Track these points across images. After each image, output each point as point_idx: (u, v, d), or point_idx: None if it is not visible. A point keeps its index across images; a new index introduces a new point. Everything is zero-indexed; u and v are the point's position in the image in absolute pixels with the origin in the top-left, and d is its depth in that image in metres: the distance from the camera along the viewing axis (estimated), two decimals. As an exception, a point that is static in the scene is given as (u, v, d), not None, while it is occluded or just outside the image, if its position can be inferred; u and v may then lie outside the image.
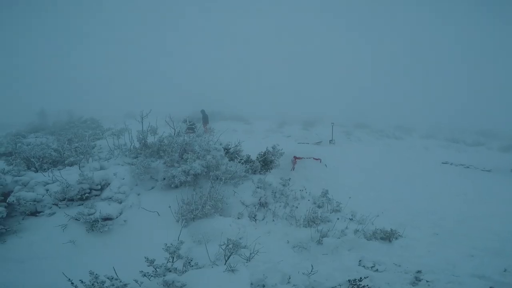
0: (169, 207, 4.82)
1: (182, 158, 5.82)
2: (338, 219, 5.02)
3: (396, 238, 4.68)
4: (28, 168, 6.00)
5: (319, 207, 5.75)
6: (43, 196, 4.77)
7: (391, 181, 7.97)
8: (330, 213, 5.53)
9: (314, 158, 8.16)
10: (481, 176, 9.10)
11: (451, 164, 10.76)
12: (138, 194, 5.40)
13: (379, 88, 35.33)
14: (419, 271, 3.76)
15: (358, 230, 4.74)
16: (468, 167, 10.28)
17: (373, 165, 9.51)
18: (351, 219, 5.32)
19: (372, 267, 3.96)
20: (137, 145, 6.46)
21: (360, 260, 4.07)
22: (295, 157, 7.72)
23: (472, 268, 3.89)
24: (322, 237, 4.42)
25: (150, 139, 6.45)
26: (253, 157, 6.94)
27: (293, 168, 7.46)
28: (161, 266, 2.66)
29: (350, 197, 5.76)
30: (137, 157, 6.13)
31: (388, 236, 4.65)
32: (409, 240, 4.70)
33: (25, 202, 4.54)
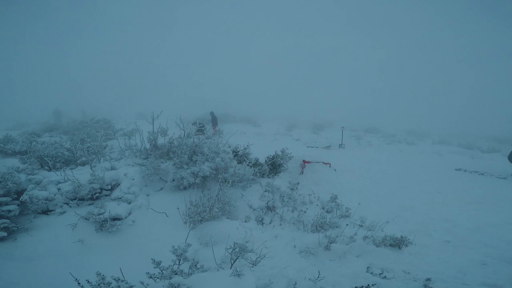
0: (177, 208, 4.85)
1: (191, 160, 5.85)
2: (347, 225, 4.95)
3: (406, 245, 4.57)
4: (42, 167, 6.14)
5: (327, 212, 5.68)
6: (55, 195, 4.86)
7: (402, 187, 7.82)
8: (339, 218, 5.45)
9: (323, 163, 8.10)
10: (496, 183, 8.83)
11: (465, 171, 10.48)
12: (147, 195, 5.45)
13: (387, 90, 35.01)
14: (428, 279, 3.66)
15: (367, 237, 4.65)
16: (482, 174, 10.00)
17: (384, 171, 9.37)
18: (360, 226, 5.23)
19: (380, 274, 3.87)
20: (147, 146, 6.53)
21: (368, 267, 3.98)
22: (304, 161, 7.67)
23: (484, 276, 3.77)
24: (330, 243, 4.35)
25: (160, 140, 6.51)
26: (262, 160, 6.92)
27: (302, 172, 7.41)
28: (167, 268, 2.67)
29: (359, 203, 5.67)
30: (147, 158, 6.19)
31: (397, 243, 4.55)
32: (419, 247, 4.59)
33: (37, 200, 4.64)
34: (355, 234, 4.68)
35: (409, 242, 4.63)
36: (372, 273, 3.88)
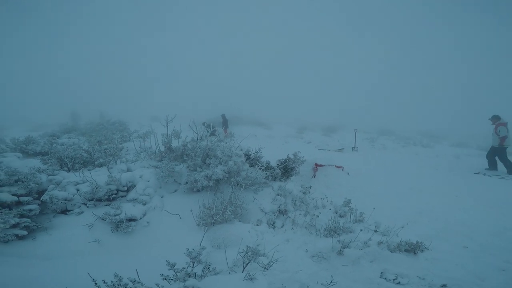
0: (191, 211, 4.91)
1: (204, 163, 5.92)
2: (361, 230, 4.89)
3: (422, 251, 4.48)
4: (61, 168, 6.35)
5: (340, 216, 5.63)
6: (73, 195, 5.02)
7: (418, 191, 7.66)
8: (353, 223, 5.39)
9: (336, 166, 8.03)
10: (518, 188, 8.51)
11: (484, 174, 10.16)
12: (162, 197, 5.54)
13: (398, 91, 34.48)
14: (444, 285, 3.58)
15: (382, 242, 4.58)
16: (503, 177, 9.66)
17: (398, 174, 9.21)
18: (375, 231, 5.15)
19: (394, 279, 3.81)
20: (162, 148, 6.65)
21: (382, 272, 3.93)
22: (317, 165, 7.63)
23: (503, 282, 3.67)
24: (344, 248, 4.31)
25: (174, 143, 6.62)
26: (273, 162, 6.93)
27: (314, 176, 7.38)
28: (181, 271, 2.71)
29: (374, 208, 5.59)
30: (161, 160, 6.31)
31: (413, 249, 4.46)
32: (435, 252, 4.49)
33: (57, 200, 4.80)
34: (369, 239, 4.61)
35: (425, 248, 4.54)
36: (386, 278, 3.83)
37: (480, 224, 5.61)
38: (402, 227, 5.13)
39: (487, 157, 10.73)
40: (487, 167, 10.75)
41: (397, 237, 4.79)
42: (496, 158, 10.57)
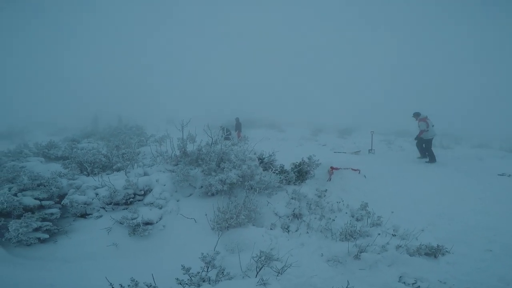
0: (206, 215, 4.94)
1: (219, 167, 5.96)
2: (379, 234, 4.77)
3: (443, 254, 4.36)
4: (81, 172, 6.56)
5: (357, 220, 5.52)
6: (92, 199, 5.16)
7: (438, 193, 7.39)
8: (370, 227, 5.27)
9: (352, 169, 7.88)
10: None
11: (509, 175, 9.70)
12: (177, 201, 5.62)
13: (412, 91, 33.62)
14: (466, 289, 3.47)
15: (400, 246, 4.48)
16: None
17: (417, 176, 8.93)
18: (393, 235, 5.02)
19: (413, 283, 3.72)
20: (177, 153, 6.74)
21: (400, 277, 3.84)
22: (332, 168, 7.51)
23: (528, 286, 3.52)
24: (361, 252, 4.22)
25: (189, 147, 6.70)
26: (287, 166, 6.88)
27: (330, 179, 7.27)
28: (196, 275, 2.73)
29: (392, 212, 5.45)
30: (177, 165, 6.40)
31: (433, 252, 4.34)
32: (457, 256, 4.35)
33: (77, 204, 4.95)
34: (387, 243, 4.50)
35: (446, 251, 4.42)
36: (404, 282, 3.74)
37: (503, 227, 5.41)
38: (422, 230, 4.99)
39: (416, 146, 11.99)
40: (419, 155, 11.82)
41: (417, 241, 4.68)
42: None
